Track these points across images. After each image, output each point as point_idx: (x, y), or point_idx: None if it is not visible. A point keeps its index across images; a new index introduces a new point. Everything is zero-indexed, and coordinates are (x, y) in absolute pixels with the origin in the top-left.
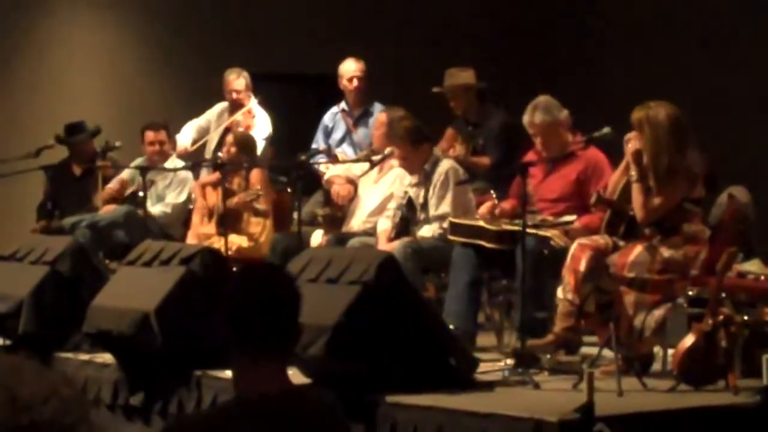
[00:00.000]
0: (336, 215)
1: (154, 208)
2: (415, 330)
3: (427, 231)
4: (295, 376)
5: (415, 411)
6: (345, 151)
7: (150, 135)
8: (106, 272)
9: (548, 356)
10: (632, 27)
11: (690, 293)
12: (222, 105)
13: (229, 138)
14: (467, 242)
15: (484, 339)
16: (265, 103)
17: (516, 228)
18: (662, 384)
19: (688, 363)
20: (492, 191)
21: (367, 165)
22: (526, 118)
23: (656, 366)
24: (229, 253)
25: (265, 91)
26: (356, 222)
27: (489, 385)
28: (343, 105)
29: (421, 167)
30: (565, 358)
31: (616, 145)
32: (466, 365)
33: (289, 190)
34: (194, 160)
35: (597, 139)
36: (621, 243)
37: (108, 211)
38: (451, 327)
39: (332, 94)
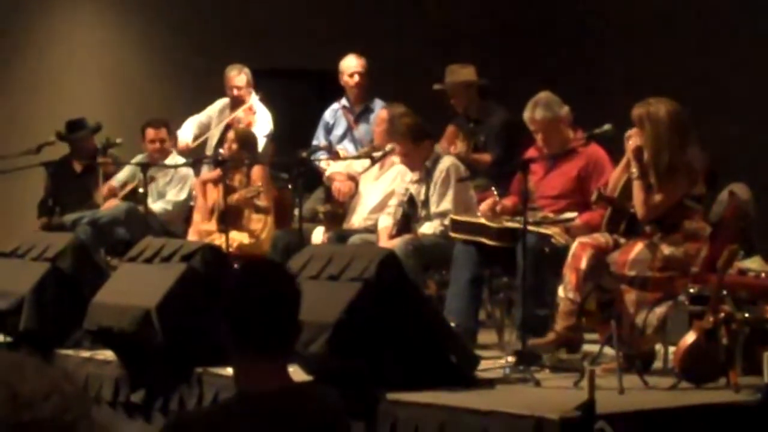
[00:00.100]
0: (337, 212)
1: (155, 205)
2: (416, 327)
3: (428, 228)
4: (297, 373)
5: (416, 408)
6: (346, 147)
7: (151, 133)
8: (107, 269)
9: (549, 354)
10: (632, 25)
11: (691, 291)
12: (223, 101)
13: (230, 134)
14: (468, 239)
15: (485, 336)
16: (266, 100)
17: (517, 225)
18: (663, 382)
19: (689, 361)
20: (493, 188)
21: (368, 162)
22: (526, 115)
23: (657, 364)
24: (230, 250)
25: (266, 88)
26: (357, 219)
27: (490, 383)
28: (344, 101)
29: (422, 164)
30: (567, 355)
31: (617, 142)
32: (467, 363)
33: (290, 186)
34: (195, 157)
35: (598, 136)
36: (622, 241)
37: (109, 207)
38: (452, 324)
39: (333, 90)
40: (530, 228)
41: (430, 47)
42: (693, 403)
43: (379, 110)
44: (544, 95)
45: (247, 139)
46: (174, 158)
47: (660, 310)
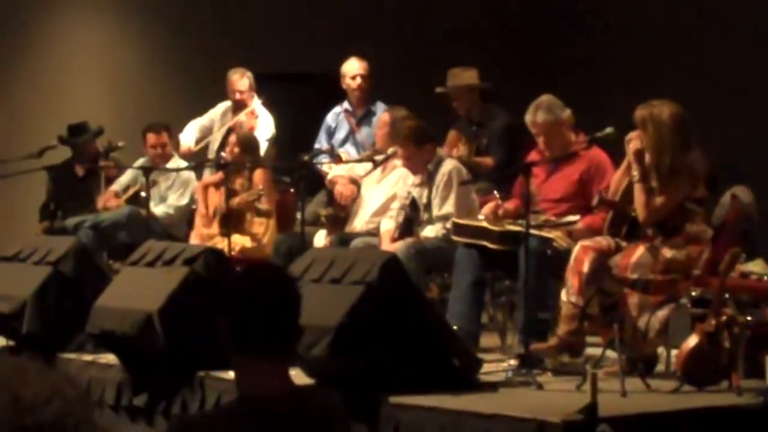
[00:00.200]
0: (339, 215)
1: (157, 209)
2: (419, 330)
3: (430, 231)
4: (299, 376)
5: (419, 411)
6: (348, 151)
7: (152, 138)
8: (109, 273)
9: (552, 358)
10: (633, 27)
11: (693, 294)
12: (225, 104)
13: (232, 138)
14: (470, 243)
15: (488, 339)
16: (269, 104)
17: (519, 229)
18: (666, 385)
19: (691, 364)
20: (495, 191)
21: (370, 165)
22: (528, 118)
23: (660, 367)
24: (233, 253)
25: (268, 91)
26: (359, 222)
27: (492, 386)
28: (346, 105)
29: (424, 167)
30: (569, 359)
31: (619, 145)
32: (469, 366)
33: (292, 190)
34: (197, 161)
35: (600, 139)
36: (623, 244)
37: (109, 209)
38: (455, 327)
39: (335, 93)
40: (532, 231)
41: (432, 50)
42: (695, 406)
43: (381, 113)
44: (545, 98)
45: (248, 143)
46: (176, 162)
47: (662, 314)
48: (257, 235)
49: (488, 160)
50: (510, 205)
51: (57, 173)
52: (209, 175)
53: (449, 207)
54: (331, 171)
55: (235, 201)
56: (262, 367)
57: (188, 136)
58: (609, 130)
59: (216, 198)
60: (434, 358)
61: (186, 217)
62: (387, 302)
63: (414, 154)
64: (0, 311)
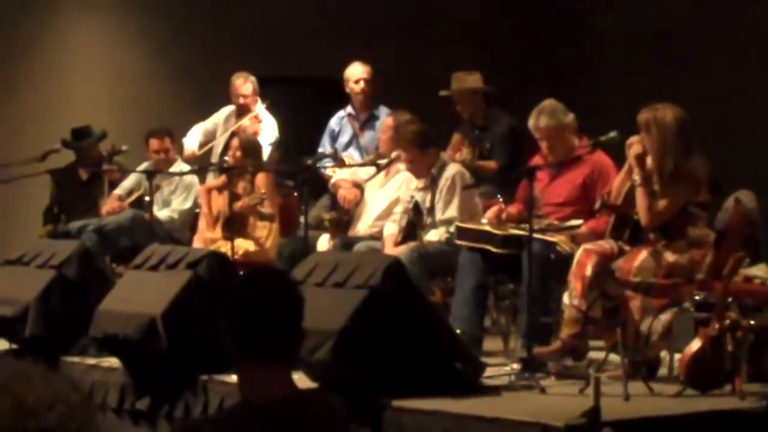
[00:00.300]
0: (342, 219)
1: (161, 213)
2: (422, 334)
3: (433, 235)
4: (302, 380)
5: (422, 415)
6: (351, 155)
7: (154, 143)
8: (112, 276)
9: (554, 362)
10: (636, 31)
11: (696, 298)
12: (229, 108)
13: (234, 142)
14: (474, 246)
15: (491, 343)
16: (272, 108)
17: (522, 233)
18: (669, 389)
19: (694, 367)
20: (498, 195)
21: (373, 169)
22: (531, 122)
23: (663, 371)
24: (236, 257)
25: (272, 95)
26: (363, 226)
27: (495, 390)
28: (349, 109)
29: (427, 171)
30: (572, 363)
31: (623, 149)
32: (472, 369)
33: (295, 194)
34: (201, 165)
35: (603, 143)
36: (626, 248)
37: (111, 215)
38: (458, 331)
39: (339, 97)
40: (535, 235)
41: (434, 54)
42: (698, 410)
43: (385, 117)
44: (548, 103)
45: (250, 147)
46: (179, 166)
47: (665, 317)
48: (260, 239)
49: (491, 164)
50: (513, 208)
51: (60, 177)
52: (212, 179)
53: (452, 211)
54: (335, 175)
55: (238, 205)
56: (264, 370)
57: (192, 140)
58: (613, 134)
59: (219, 202)
60: (437, 362)
61: (189, 221)
62: (390, 306)
63: (417, 157)
64: (3, 314)
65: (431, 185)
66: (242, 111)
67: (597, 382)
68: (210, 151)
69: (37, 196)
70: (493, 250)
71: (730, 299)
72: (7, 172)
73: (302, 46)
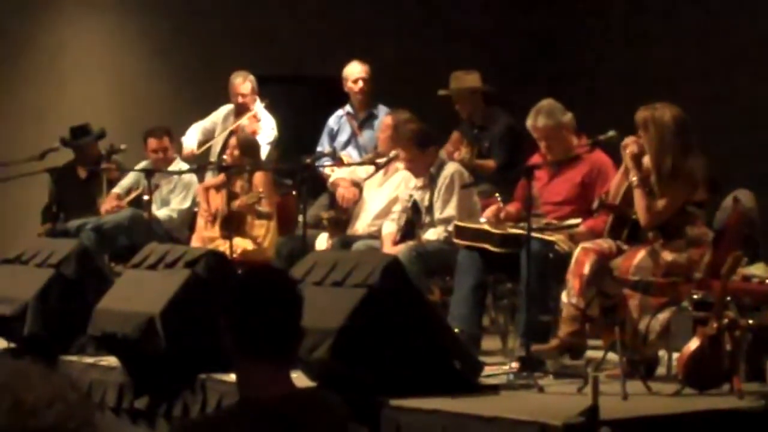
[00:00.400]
0: (341, 218)
1: (160, 212)
2: (420, 333)
3: (432, 234)
4: (300, 379)
5: (420, 414)
6: (350, 153)
7: (153, 143)
8: (111, 275)
9: (553, 360)
10: (636, 30)
11: (695, 297)
12: (228, 107)
13: (232, 141)
14: (472, 245)
15: (489, 342)
16: (271, 107)
17: (521, 232)
18: (667, 388)
19: (692, 367)
20: (497, 194)
21: (372, 168)
22: (529, 123)
23: (661, 370)
24: (234, 256)
25: (271, 94)
26: (361, 225)
27: (494, 389)
28: (348, 108)
29: (426, 170)
30: (570, 362)
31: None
32: (470, 368)
33: (294, 193)
34: (200, 164)
35: (602, 142)
36: (625, 247)
37: (110, 213)
38: (456, 330)
39: (338, 96)
40: (534, 234)
41: (433, 53)
42: (696, 409)
43: (384, 116)
44: (546, 103)
45: (248, 146)
46: (178, 165)
47: (663, 316)
48: (258, 238)
49: (490, 163)
50: (512, 207)
51: (59, 175)
52: (211, 178)
53: (451, 210)
54: (333, 174)
55: (236, 203)
56: (263, 369)
57: (191, 139)
58: (611, 132)
59: (217, 200)
60: (435, 361)
61: (188, 220)
62: (388, 305)
63: (416, 157)
64: (2, 313)
65: (430, 184)
66: (241, 110)
67: (595, 381)
68: (209, 150)
69: (35, 194)
70: (492, 249)
71: (728, 298)
72: (6, 170)
73: (301, 45)
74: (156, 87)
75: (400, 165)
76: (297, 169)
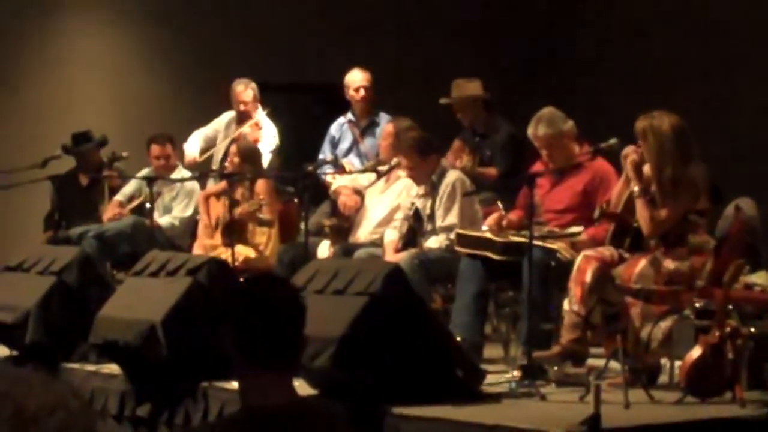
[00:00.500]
0: (343, 226)
1: (162, 220)
2: (422, 341)
3: (433, 242)
4: (302, 387)
5: (422, 422)
6: (352, 161)
7: (156, 149)
8: (112, 283)
9: (555, 368)
10: (638, 36)
11: (697, 305)
12: (230, 115)
13: (233, 148)
14: (474, 253)
15: (491, 350)
16: (273, 114)
17: (522, 240)
18: (669, 396)
19: (695, 375)
20: (499, 202)
21: (373, 176)
22: (530, 131)
23: (663, 378)
24: (236, 263)
25: (273, 102)
26: (363, 233)
27: (495, 397)
28: (349, 115)
29: (428, 178)
30: (572, 370)
31: None
32: (472, 377)
33: (296, 200)
34: (202, 171)
35: (604, 150)
36: (626, 255)
37: (112, 221)
38: (458, 338)
39: (339, 104)
40: (536, 242)
41: (435, 60)
42: (698, 417)
43: (385, 124)
44: (547, 111)
45: (249, 153)
46: (180, 172)
47: (665, 324)
48: (259, 246)
49: (492, 171)
50: (513, 215)
51: (61, 183)
52: (212, 186)
53: (453, 218)
54: (335, 181)
55: (237, 211)
56: (265, 377)
57: (193, 147)
58: (613, 140)
59: (218, 208)
60: (437, 369)
61: (190, 227)
62: (390, 313)
63: (418, 164)
64: (3, 321)
65: (431, 192)
66: (243, 118)
67: (597, 389)
68: (210, 157)
69: (37, 202)
70: (494, 257)
71: (730, 306)
72: (8, 178)
73: (303, 52)
74: (157, 94)
75: (401, 173)
76: (299, 176)
